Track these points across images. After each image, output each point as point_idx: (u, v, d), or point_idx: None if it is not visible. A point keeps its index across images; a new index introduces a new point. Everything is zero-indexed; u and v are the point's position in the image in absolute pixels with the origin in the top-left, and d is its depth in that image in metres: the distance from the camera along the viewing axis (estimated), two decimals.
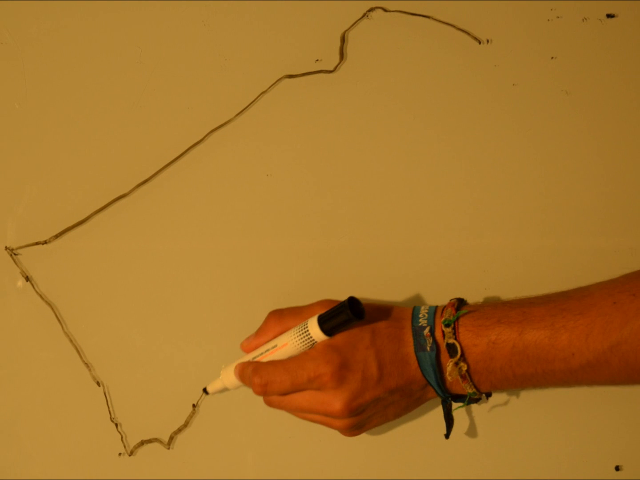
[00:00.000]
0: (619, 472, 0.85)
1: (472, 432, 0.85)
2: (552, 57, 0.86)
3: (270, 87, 0.86)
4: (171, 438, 0.85)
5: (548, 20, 0.86)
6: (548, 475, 0.85)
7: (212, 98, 0.86)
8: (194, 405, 0.85)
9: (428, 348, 0.75)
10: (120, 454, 0.85)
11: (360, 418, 0.77)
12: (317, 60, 0.86)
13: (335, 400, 0.75)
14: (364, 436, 0.84)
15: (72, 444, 0.85)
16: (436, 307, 0.78)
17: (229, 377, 0.80)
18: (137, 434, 0.85)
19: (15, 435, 0.85)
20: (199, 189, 0.86)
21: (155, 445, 0.85)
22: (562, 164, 0.85)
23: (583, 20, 0.86)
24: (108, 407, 0.85)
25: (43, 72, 0.86)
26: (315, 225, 0.85)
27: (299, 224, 0.85)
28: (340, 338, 0.75)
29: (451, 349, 0.75)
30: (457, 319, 0.75)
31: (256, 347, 0.79)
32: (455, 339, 0.75)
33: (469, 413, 0.85)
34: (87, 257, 0.85)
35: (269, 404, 0.78)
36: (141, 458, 0.85)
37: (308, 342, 0.75)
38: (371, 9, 0.86)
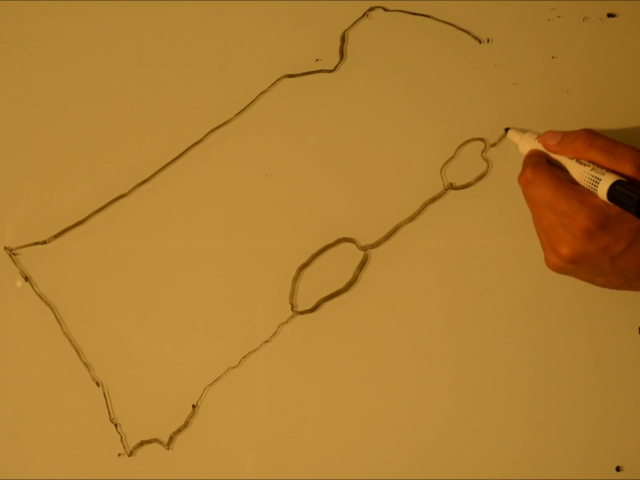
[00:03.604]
0: (620, 473, 0.84)
1: (468, 433, 0.85)
2: (552, 57, 0.85)
3: (270, 86, 0.86)
4: (171, 438, 0.85)
5: (548, 19, 0.86)
6: (548, 475, 0.84)
7: (212, 97, 0.86)
8: (193, 406, 0.85)
9: None
10: (119, 454, 0.85)
11: (571, 268, 0.77)
12: (317, 59, 0.86)
13: (566, 245, 0.75)
14: (364, 435, 0.84)
15: (71, 445, 0.85)
16: None
17: (525, 144, 0.81)
18: (136, 435, 0.85)
19: (14, 435, 0.85)
20: (199, 189, 0.85)
21: (155, 445, 0.85)
22: None
23: (584, 19, 0.86)
24: (107, 407, 0.85)
25: (42, 71, 0.86)
26: (315, 225, 0.85)
27: (299, 224, 0.85)
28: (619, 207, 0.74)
29: None
30: None
31: (554, 153, 0.78)
32: None
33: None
34: (87, 257, 0.85)
35: (523, 185, 0.77)
36: (141, 458, 0.85)
37: (594, 191, 0.74)
38: (371, 9, 0.86)
